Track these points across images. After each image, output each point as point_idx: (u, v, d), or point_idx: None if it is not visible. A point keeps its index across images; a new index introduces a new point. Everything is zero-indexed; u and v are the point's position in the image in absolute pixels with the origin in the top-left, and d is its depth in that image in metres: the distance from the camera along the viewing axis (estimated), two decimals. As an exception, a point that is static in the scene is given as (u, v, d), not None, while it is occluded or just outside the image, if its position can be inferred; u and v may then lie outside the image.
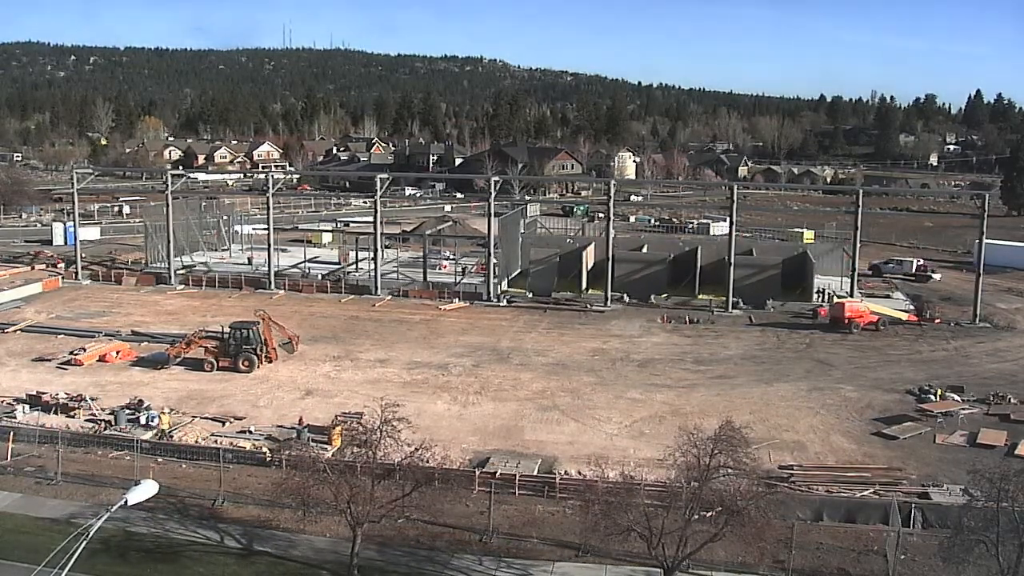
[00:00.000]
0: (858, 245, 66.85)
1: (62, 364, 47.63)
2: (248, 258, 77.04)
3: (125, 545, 28.65)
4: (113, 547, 28.31)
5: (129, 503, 17.65)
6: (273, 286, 69.33)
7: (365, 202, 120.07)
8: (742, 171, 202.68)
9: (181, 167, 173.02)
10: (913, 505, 30.89)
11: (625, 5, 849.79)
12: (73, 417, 40.08)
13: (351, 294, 68.18)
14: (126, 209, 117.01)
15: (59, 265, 76.92)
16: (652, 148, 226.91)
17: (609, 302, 64.94)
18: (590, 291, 68.36)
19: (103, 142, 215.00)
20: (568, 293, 67.19)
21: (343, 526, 27.80)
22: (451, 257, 79.17)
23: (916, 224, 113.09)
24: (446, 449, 34.26)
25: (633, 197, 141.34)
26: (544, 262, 69.47)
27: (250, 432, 38.59)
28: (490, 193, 69.46)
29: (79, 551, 17.38)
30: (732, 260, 64.59)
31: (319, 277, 71.68)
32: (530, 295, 67.71)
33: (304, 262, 76.52)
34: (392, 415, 27.51)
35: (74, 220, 79.43)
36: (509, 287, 70.31)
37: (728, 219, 67.41)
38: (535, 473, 34.59)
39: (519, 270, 74.29)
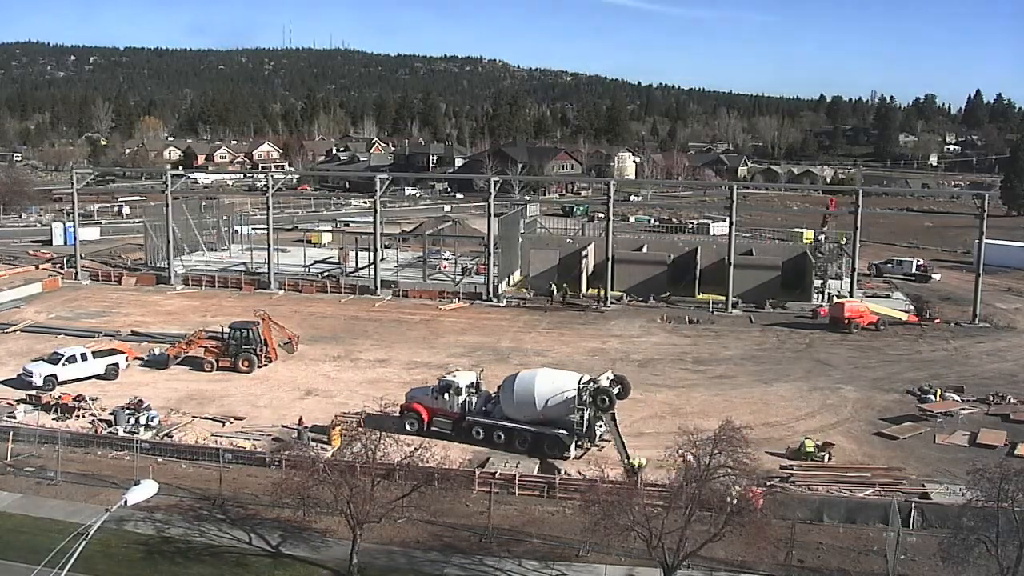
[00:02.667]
0: (858, 245, 66.83)
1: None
2: (244, 263, 76.98)
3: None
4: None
5: (129, 503, 17.66)
6: (273, 286, 69.39)
7: (365, 202, 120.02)
8: (742, 171, 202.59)
9: (181, 167, 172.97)
10: (913, 505, 30.91)
11: (625, 5, 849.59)
12: (74, 418, 40.08)
13: (351, 294, 68.25)
14: (126, 209, 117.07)
15: (59, 265, 76.86)
16: (652, 148, 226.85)
17: (609, 302, 64.94)
18: (590, 291, 68.36)
19: (103, 142, 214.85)
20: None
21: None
22: (451, 257, 79.19)
23: (916, 224, 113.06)
24: (446, 449, 34.31)
25: (633, 197, 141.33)
26: (544, 263, 69.55)
27: (252, 433, 38.59)
28: (490, 193, 69.46)
29: (79, 551, 17.39)
30: (732, 260, 64.60)
31: (319, 276, 71.78)
32: (531, 296, 67.82)
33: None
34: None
35: (74, 220, 79.49)
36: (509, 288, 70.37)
37: (728, 219, 67.40)
38: (535, 473, 34.62)
39: (520, 275, 74.23)
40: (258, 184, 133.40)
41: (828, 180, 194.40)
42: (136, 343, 52.47)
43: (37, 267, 77.29)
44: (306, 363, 49.57)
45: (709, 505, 24.66)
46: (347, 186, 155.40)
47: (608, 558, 28.00)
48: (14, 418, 39.66)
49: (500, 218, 71.76)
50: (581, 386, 35.51)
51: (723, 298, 64.21)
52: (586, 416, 35.36)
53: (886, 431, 39.77)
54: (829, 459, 36.15)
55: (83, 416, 40.20)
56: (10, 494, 32.62)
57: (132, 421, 38.77)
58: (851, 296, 64.60)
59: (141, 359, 49.27)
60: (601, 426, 36.28)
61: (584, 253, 71.37)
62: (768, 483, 31.09)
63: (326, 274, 72.65)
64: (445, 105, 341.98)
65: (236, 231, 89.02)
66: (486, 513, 30.54)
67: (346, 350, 52.29)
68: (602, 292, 64.96)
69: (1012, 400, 43.84)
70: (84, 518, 27.34)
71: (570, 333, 57.68)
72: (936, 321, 61.19)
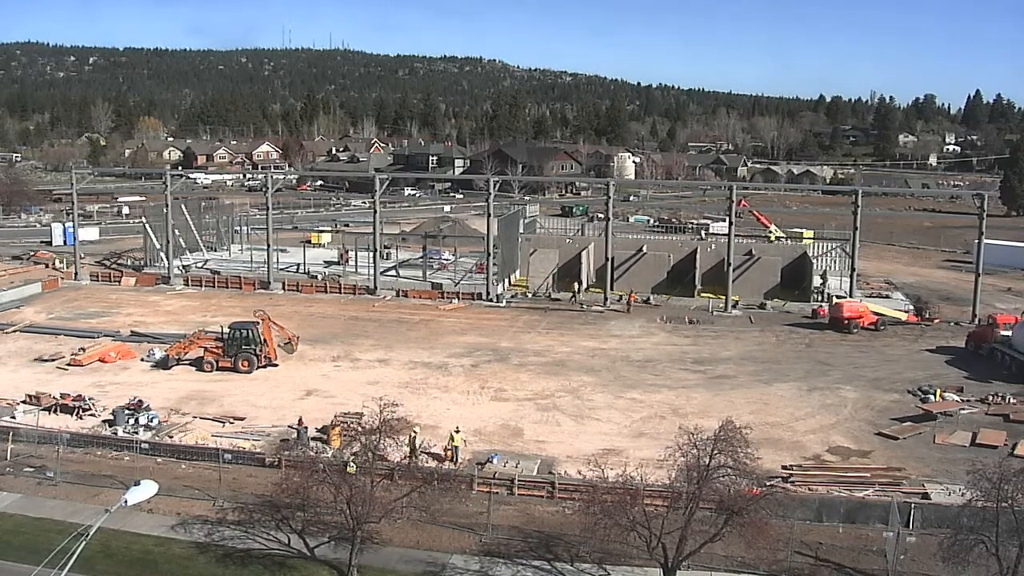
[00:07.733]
0: (858, 245, 66.81)
1: (61, 365, 47.58)
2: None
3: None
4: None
5: (129, 503, 17.68)
6: (272, 286, 69.37)
7: (365, 202, 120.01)
8: (742, 171, 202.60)
9: (180, 167, 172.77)
10: (912, 505, 30.91)
11: (625, 5, 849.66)
12: (75, 418, 40.06)
13: (351, 294, 68.26)
14: (125, 210, 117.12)
15: (58, 265, 76.82)
16: (652, 148, 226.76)
17: (608, 302, 64.92)
18: (590, 291, 68.37)
19: (103, 142, 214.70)
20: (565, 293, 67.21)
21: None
22: (450, 258, 79.21)
23: (916, 224, 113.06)
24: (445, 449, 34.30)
25: (632, 197, 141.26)
26: (544, 263, 69.56)
27: (252, 434, 38.56)
28: (490, 193, 69.46)
29: (79, 551, 17.39)
30: (731, 260, 64.60)
31: (319, 277, 71.84)
32: (530, 295, 67.85)
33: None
34: (391, 415, 27.52)
35: (73, 220, 79.52)
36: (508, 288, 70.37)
37: (728, 219, 67.39)
38: (535, 473, 34.61)
39: (520, 275, 74.25)
40: (256, 181, 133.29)
41: (828, 180, 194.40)
42: (136, 343, 52.47)
43: (47, 265, 77.27)
44: (306, 363, 49.56)
45: (709, 505, 24.65)
46: (347, 186, 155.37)
47: (608, 558, 27.98)
48: (14, 418, 39.66)
49: (500, 218, 71.76)
50: None
51: (722, 298, 64.25)
52: None
53: (886, 431, 39.75)
54: None
55: (83, 416, 40.20)
56: (10, 494, 32.60)
57: (132, 421, 38.78)
58: (851, 296, 64.57)
59: (142, 359, 49.27)
60: None
61: (583, 253, 71.31)
62: (768, 483, 31.06)
63: (329, 274, 72.84)
64: (445, 105, 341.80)
65: (236, 231, 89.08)
66: (486, 513, 30.54)
67: (346, 350, 52.28)
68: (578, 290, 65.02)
69: (1012, 400, 43.85)
70: (84, 518, 27.36)
71: (570, 333, 57.65)
72: (936, 321, 61.20)
